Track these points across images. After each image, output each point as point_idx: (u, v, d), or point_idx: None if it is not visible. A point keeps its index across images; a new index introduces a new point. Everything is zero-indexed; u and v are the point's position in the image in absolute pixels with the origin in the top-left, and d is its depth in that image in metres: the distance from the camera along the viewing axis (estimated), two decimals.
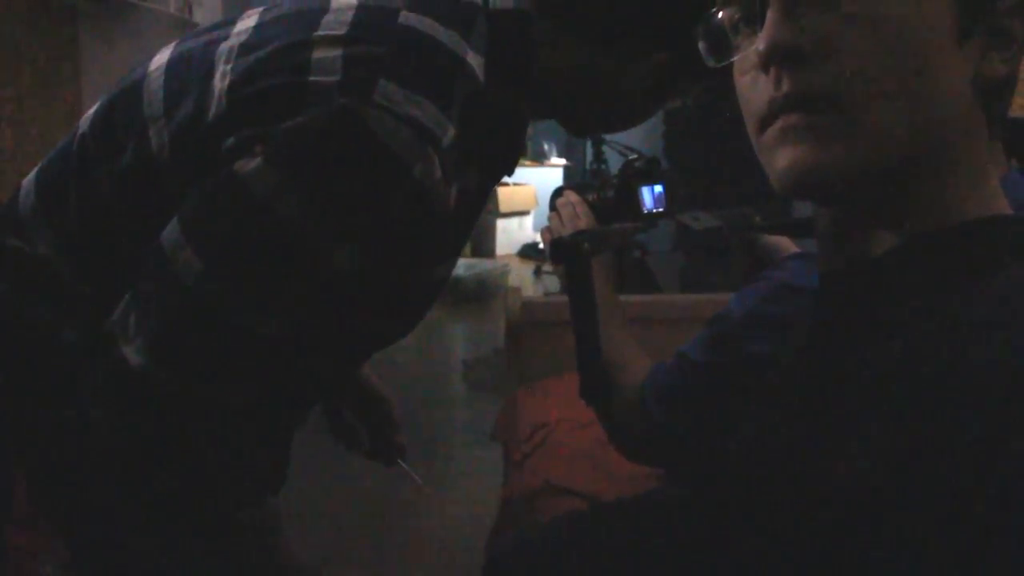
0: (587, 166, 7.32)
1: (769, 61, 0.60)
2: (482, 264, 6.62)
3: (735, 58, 0.66)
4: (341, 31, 0.92)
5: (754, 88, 0.64)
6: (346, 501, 3.04)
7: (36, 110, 2.93)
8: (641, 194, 1.34)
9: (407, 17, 0.94)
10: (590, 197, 1.36)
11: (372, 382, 1.40)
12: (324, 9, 0.96)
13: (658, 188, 1.35)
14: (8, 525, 1.16)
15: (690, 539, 0.82)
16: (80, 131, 1.03)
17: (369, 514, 3.02)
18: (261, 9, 1.03)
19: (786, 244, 1.42)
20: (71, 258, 1.00)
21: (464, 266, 6.02)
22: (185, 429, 0.93)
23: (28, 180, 1.07)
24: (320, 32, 0.92)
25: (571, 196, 1.36)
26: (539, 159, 7.99)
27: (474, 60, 0.96)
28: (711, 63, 0.69)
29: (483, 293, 6.14)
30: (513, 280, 6.64)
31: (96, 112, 1.04)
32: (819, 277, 0.69)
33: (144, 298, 0.91)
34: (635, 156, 1.39)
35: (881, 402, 0.54)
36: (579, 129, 1.16)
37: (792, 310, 1.06)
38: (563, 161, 8.13)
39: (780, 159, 0.61)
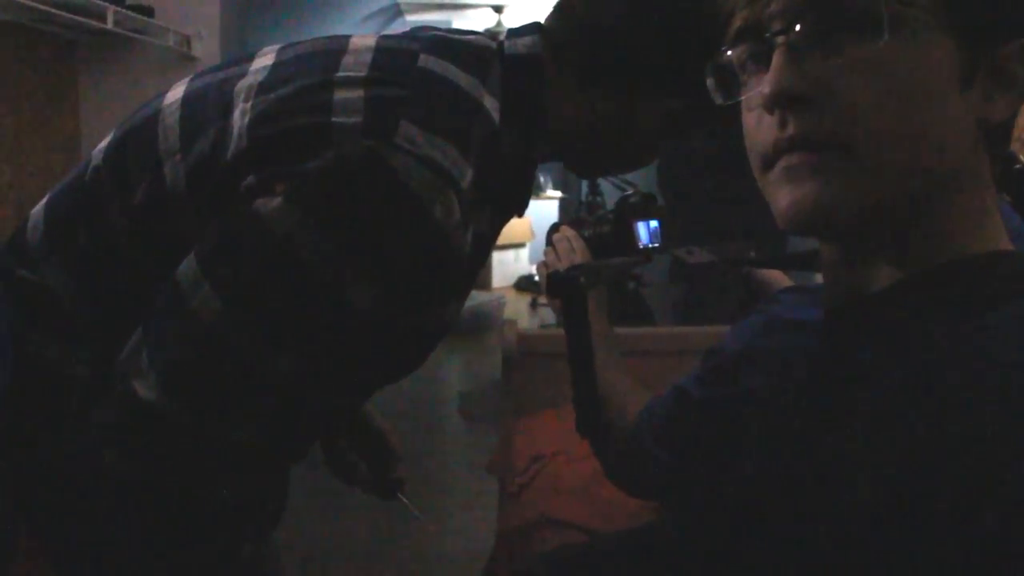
0: (583, 198, 7.36)
1: (774, 105, 0.62)
2: (478, 296, 6.63)
3: (742, 97, 0.67)
4: (362, 72, 0.94)
5: (759, 128, 0.65)
6: (343, 534, 3.02)
7: (35, 144, 2.94)
8: (637, 229, 1.35)
9: (426, 60, 0.96)
10: (586, 232, 1.37)
11: (370, 414, 1.40)
12: (343, 50, 0.98)
13: (653, 223, 1.36)
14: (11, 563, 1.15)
15: (689, 574, 0.82)
16: (93, 163, 1.04)
17: (366, 546, 3.00)
18: (278, 47, 1.05)
19: (780, 278, 1.43)
20: (81, 291, 1.00)
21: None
22: (195, 464, 0.93)
23: (36, 211, 1.07)
24: (341, 73, 0.94)
25: (567, 231, 1.37)
26: (535, 192, 8.02)
27: (490, 103, 0.97)
28: (719, 100, 0.70)
29: (479, 325, 6.13)
30: (509, 312, 6.64)
31: (109, 146, 1.04)
32: (824, 312, 0.70)
33: (158, 333, 0.91)
34: (630, 191, 1.40)
35: (882, 436, 0.54)
36: (585, 171, 1.18)
37: (786, 344, 1.07)
38: (559, 193, 8.16)
39: (783, 197, 0.63)
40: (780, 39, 0.62)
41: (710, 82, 0.71)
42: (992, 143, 0.64)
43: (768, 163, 0.64)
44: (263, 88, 0.96)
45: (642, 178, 4.87)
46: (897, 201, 0.61)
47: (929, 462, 0.50)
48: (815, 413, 0.65)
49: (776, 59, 0.61)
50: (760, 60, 0.64)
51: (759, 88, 0.63)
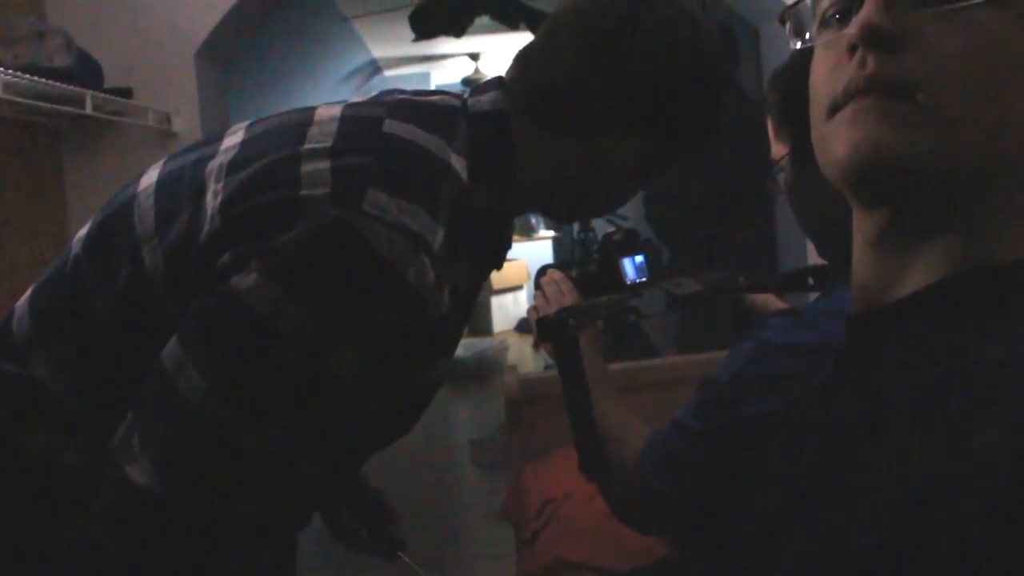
0: (575, 236, 7.39)
1: (860, 42, 0.59)
2: (481, 343, 6.63)
3: (820, 40, 0.65)
4: (327, 143, 0.94)
5: (833, 72, 0.62)
6: None
7: (23, 232, 2.95)
8: (623, 266, 1.36)
9: (391, 125, 0.97)
10: (573, 273, 1.38)
11: (364, 477, 1.40)
12: (308, 122, 0.99)
13: (639, 258, 1.37)
14: None
15: None
16: (73, 253, 1.04)
17: None
18: (247, 123, 1.06)
19: (771, 301, 1.43)
20: (69, 381, 1.00)
21: (463, 346, 6.02)
22: (195, 544, 0.92)
23: (21, 304, 1.07)
24: (307, 145, 0.94)
25: (554, 274, 1.38)
26: (528, 233, 8.06)
27: (457, 163, 0.98)
28: (793, 45, 0.68)
29: (484, 371, 6.13)
30: (512, 355, 6.64)
31: (88, 234, 1.05)
32: (846, 321, 0.69)
33: (147, 418, 0.91)
34: (614, 229, 1.41)
35: (908, 450, 0.53)
36: (562, 218, 1.19)
37: (778, 368, 1.07)
38: (551, 233, 8.20)
39: (844, 141, 0.60)
40: None
41: (788, 26, 0.69)
42: None
43: (835, 108, 0.62)
44: (233, 167, 0.96)
45: (630, 211, 4.90)
46: (959, 165, 0.58)
47: (956, 479, 0.49)
48: (838, 428, 0.63)
49: (870, 1, 0.59)
50: (847, 15, 0.62)
51: (845, 30, 0.61)
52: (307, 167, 0.92)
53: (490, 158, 1.02)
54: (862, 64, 0.59)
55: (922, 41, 0.58)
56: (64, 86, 2.68)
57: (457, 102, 1.06)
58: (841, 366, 0.68)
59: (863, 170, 0.59)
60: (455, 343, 1.11)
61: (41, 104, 2.66)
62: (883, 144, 0.58)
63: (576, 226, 7.15)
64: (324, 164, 0.92)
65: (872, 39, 0.59)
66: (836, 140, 0.61)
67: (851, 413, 0.62)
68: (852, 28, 0.59)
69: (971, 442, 0.49)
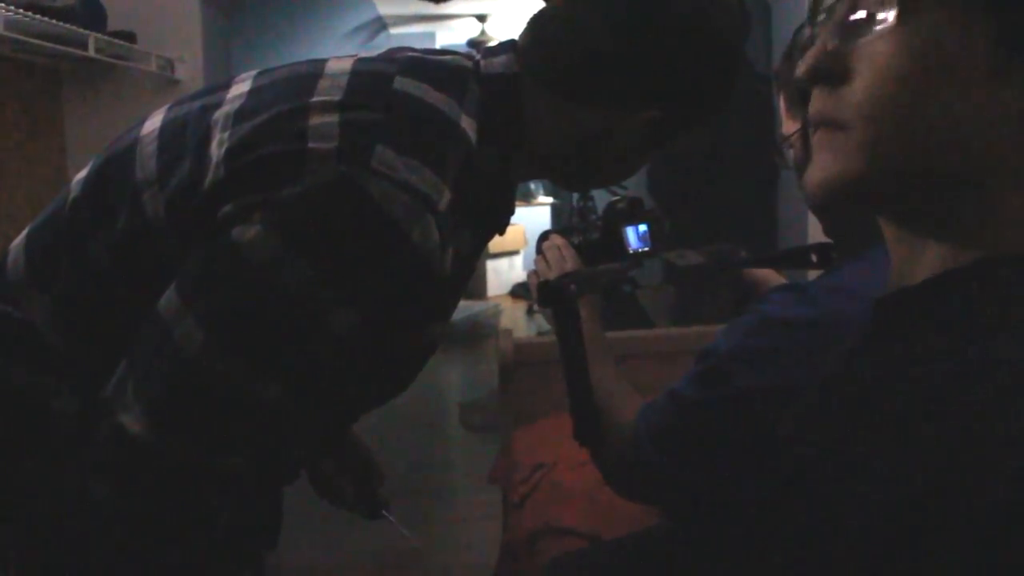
0: (574, 204, 7.38)
1: (807, 83, 0.65)
2: (474, 306, 6.63)
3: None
4: (337, 96, 0.93)
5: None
6: (344, 552, 3.01)
7: (21, 174, 2.93)
8: (626, 234, 1.35)
9: (402, 83, 0.96)
10: (576, 240, 1.37)
11: (354, 434, 1.39)
12: (319, 74, 0.97)
13: (642, 227, 1.36)
14: None
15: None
16: (72, 195, 1.03)
17: (368, 562, 3.00)
18: (255, 73, 1.04)
19: (772, 276, 1.43)
20: (64, 324, 0.99)
21: (456, 308, 6.02)
22: (187, 494, 0.92)
23: (16, 245, 1.06)
24: (316, 98, 0.93)
25: (557, 239, 1.37)
26: (527, 198, 8.04)
27: (467, 124, 0.97)
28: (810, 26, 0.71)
29: (476, 335, 6.14)
30: (505, 320, 6.65)
31: (88, 177, 1.04)
32: (873, 303, 0.69)
33: (142, 366, 0.90)
34: (618, 197, 1.40)
35: (920, 435, 0.53)
36: (570, 185, 1.19)
37: (778, 342, 1.07)
38: (550, 199, 8.17)
39: (809, 175, 0.65)
40: (821, 16, 0.65)
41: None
42: None
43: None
44: (239, 116, 0.95)
45: (633, 181, 4.88)
46: (899, 185, 0.61)
47: (966, 465, 0.49)
48: (854, 407, 0.64)
49: (819, 36, 0.64)
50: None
51: (797, 70, 0.66)
52: (315, 120, 0.90)
53: (500, 121, 1.01)
54: (814, 99, 0.65)
55: (849, 72, 0.61)
56: (67, 26, 2.64)
57: (468, 63, 1.04)
58: (860, 345, 0.68)
59: (821, 203, 0.64)
60: (454, 306, 1.11)
61: (43, 44, 2.62)
62: (829, 176, 0.63)
63: (576, 194, 7.15)
64: (333, 118, 0.90)
65: (814, 78, 0.64)
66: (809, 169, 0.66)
67: (864, 394, 0.62)
68: (800, 68, 0.65)
69: (981, 436, 0.49)
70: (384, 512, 1.40)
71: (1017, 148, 0.59)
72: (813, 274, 1.24)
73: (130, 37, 3.06)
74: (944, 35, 0.58)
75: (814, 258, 1.30)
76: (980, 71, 0.58)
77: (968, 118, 0.58)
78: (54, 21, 2.58)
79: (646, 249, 1.35)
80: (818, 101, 0.64)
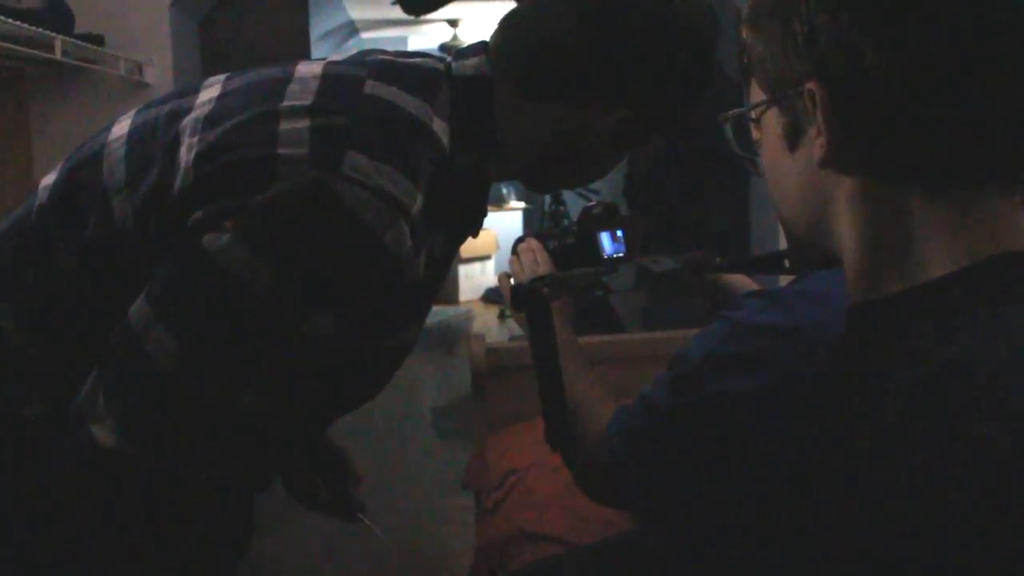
0: (546, 208, 7.39)
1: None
2: (446, 311, 6.63)
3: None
4: (307, 101, 0.92)
5: None
6: (316, 555, 2.99)
7: None
8: (601, 240, 1.35)
9: (373, 86, 0.95)
10: (551, 244, 1.37)
11: (328, 437, 1.38)
12: (288, 78, 0.96)
13: (618, 233, 1.36)
14: None
15: None
16: (39, 201, 1.01)
17: (341, 567, 2.98)
18: (224, 77, 1.03)
19: (746, 282, 1.43)
20: (31, 332, 0.97)
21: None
22: (160, 505, 0.91)
23: None
24: (286, 103, 0.92)
25: (532, 243, 1.37)
26: (498, 203, 8.04)
27: (439, 127, 0.97)
28: None
29: (448, 340, 6.13)
30: (478, 325, 6.64)
31: (55, 182, 1.02)
32: (847, 311, 0.69)
33: (113, 377, 0.89)
34: (593, 202, 1.40)
35: (903, 439, 0.54)
36: (541, 187, 1.18)
37: (750, 348, 1.07)
38: (522, 204, 8.19)
39: None
40: None
41: None
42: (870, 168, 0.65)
43: None
44: (209, 122, 0.94)
45: (608, 187, 4.89)
46: (803, 241, 0.75)
47: (950, 469, 0.49)
48: (836, 413, 0.64)
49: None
50: None
51: None
52: (285, 125, 0.89)
53: (472, 123, 1.01)
54: None
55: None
56: (33, 28, 2.60)
57: (440, 65, 1.04)
58: (839, 355, 0.69)
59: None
60: (428, 309, 1.10)
61: (7, 46, 2.58)
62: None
63: (548, 198, 7.15)
64: (303, 123, 0.89)
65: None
66: None
67: (849, 403, 0.62)
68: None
69: (968, 434, 0.49)
70: (359, 515, 1.39)
71: (820, 187, 0.69)
72: (785, 280, 1.24)
73: (98, 40, 3.03)
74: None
75: (787, 263, 1.31)
76: (780, 147, 0.72)
77: (794, 183, 0.72)
78: (19, 23, 2.54)
79: (621, 254, 1.35)
80: None
